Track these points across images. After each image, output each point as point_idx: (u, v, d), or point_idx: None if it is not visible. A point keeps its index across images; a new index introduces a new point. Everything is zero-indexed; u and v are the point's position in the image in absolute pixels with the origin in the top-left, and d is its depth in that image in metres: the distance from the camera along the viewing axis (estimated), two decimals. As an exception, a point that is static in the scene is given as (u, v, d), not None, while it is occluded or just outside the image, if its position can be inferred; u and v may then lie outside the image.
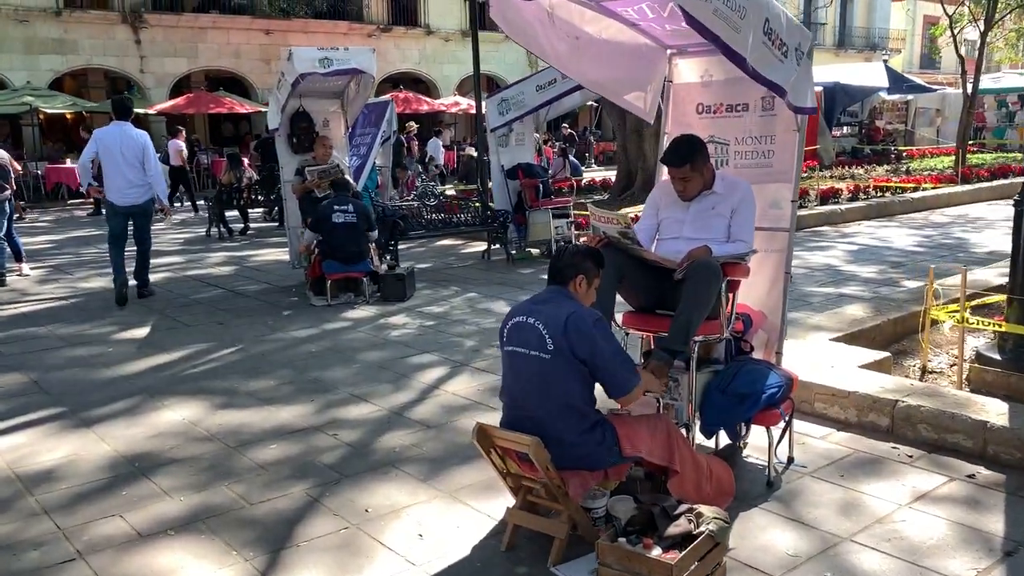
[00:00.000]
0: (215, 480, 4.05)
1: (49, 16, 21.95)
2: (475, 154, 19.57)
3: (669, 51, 4.55)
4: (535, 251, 10.49)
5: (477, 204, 10.67)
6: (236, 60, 25.35)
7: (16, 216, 9.48)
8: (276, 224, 13.83)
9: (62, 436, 4.70)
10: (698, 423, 3.92)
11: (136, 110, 23.24)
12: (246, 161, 14.82)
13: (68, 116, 25.84)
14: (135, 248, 8.36)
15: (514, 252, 10.23)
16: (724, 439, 4.18)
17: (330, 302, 7.96)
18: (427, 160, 21.59)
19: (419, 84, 29.68)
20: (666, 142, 4.53)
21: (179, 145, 16.43)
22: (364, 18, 27.44)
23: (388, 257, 9.00)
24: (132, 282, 8.39)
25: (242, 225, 13.29)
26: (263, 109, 24.29)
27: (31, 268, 10.11)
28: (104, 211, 8.76)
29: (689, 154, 3.95)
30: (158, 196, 8.27)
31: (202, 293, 8.82)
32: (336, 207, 8.03)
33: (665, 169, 4.13)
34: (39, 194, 19.79)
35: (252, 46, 25.56)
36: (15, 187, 9.47)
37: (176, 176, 16.40)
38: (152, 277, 8.84)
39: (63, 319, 7.67)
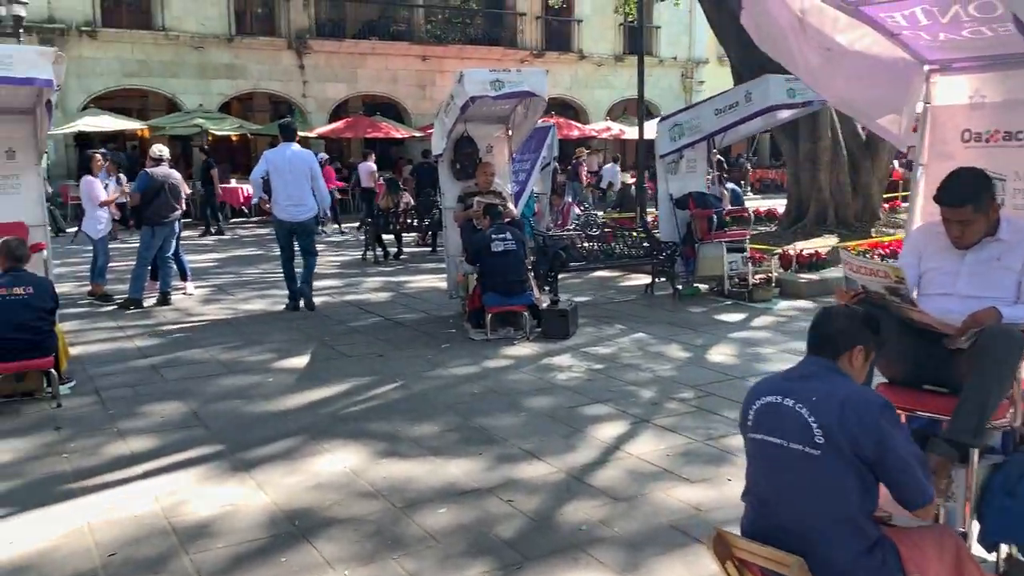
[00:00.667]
0: (383, 550, 3.56)
1: (222, 42, 23.05)
2: (631, 181, 18.95)
3: (928, 67, 3.77)
4: (703, 287, 9.71)
5: (638, 234, 10.01)
6: (393, 85, 25.84)
7: (111, 236, 9.64)
8: (429, 250, 13.65)
9: (221, 480, 4.38)
10: (976, 531, 3.10)
11: (300, 134, 24.36)
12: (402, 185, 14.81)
13: (233, 138, 27.17)
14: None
15: (681, 288, 9.48)
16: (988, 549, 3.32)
17: (489, 336, 7.50)
18: (606, 186, 21.11)
19: (568, 109, 29.37)
20: (922, 175, 3.75)
21: (371, 167, 16.77)
22: (518, 44, 27.42)
23: (548, 290, 8.47)
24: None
25: (395, 249, 13.16)
26: (417, 134, 24.71)
27: (195, 287, 10.24)
28: (272, 228, 9.35)
29: (973, 192, 3.16)
30: (322, 209, 9.06)
31: (360, 320, 8.57)
32: (494, 236, 7.59)
33: (934, 210, 3.35)
34: (204, 213, 20.62)
35: (408, 72, 26.00)
36: (185, 207, 9.54)
37: (366, 198, 16.25)
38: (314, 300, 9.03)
39: (224, 342, 7.57)
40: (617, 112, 29.87)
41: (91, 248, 9.61)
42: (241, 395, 5.92)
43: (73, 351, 6.71)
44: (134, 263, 9.27)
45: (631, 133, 26.13)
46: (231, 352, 7.21)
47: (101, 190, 9.37)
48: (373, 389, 6.06)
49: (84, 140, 23.10)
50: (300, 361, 6.89)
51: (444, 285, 9.51)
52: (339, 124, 22.77)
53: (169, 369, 6.65)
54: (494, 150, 9.01)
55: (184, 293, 9.94)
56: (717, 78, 31.17)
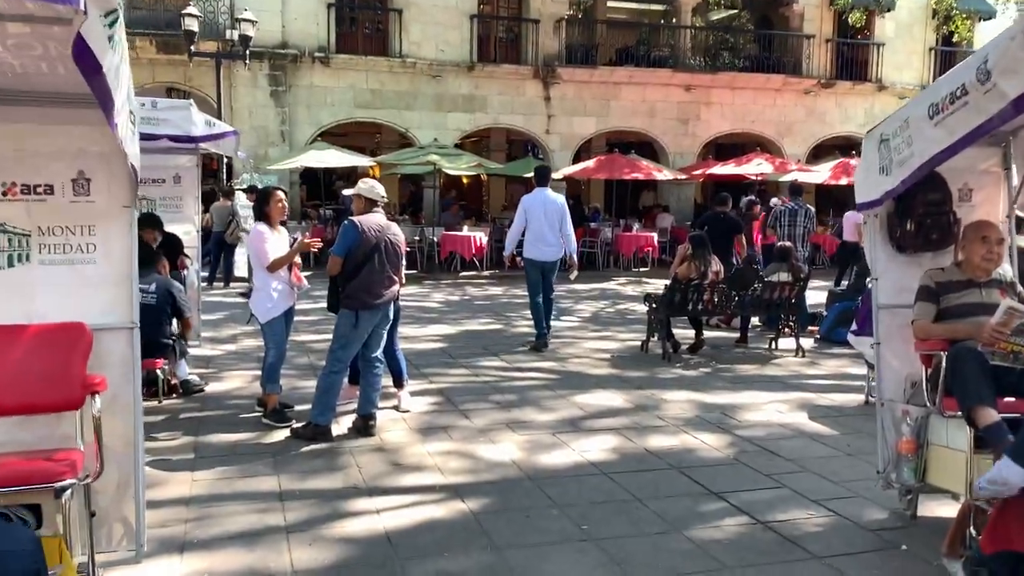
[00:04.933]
0: None
1: (462, 71, 20.34)
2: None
3: None
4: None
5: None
6: (650, 120, 22.01)
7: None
8: (737, 338, 9.38)
9: None
10: None
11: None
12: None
13: (464, 180, 24.50)
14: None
15: None
16: None
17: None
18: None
19: (850, 150, 24.12)
20: None
21: (857, 218, 12.91)
22: (803, 71, 22.70)
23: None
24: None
25: (694, 340, 9.03)
26: (683, 177, 20.64)
27: (414, 395, 6.66)
28: (524, 268, 9.32)
29: None
30: (568, 253, 9.14)
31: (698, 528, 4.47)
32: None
33: None
34: (432, 263, 17.69)
35: (669, 104, 22.07)
36: (404, 280, 6.02)
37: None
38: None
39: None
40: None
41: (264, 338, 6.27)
42: None
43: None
44: (324, 363, 5.82)
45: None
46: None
47: (273, 245, 6.00)
48: None
49: (311, 176, 21.27)
50: None
51: (825, 430, 5.25)
52: (590, 163, 19.18)
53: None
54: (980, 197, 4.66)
55: (398, 409, 6.38)
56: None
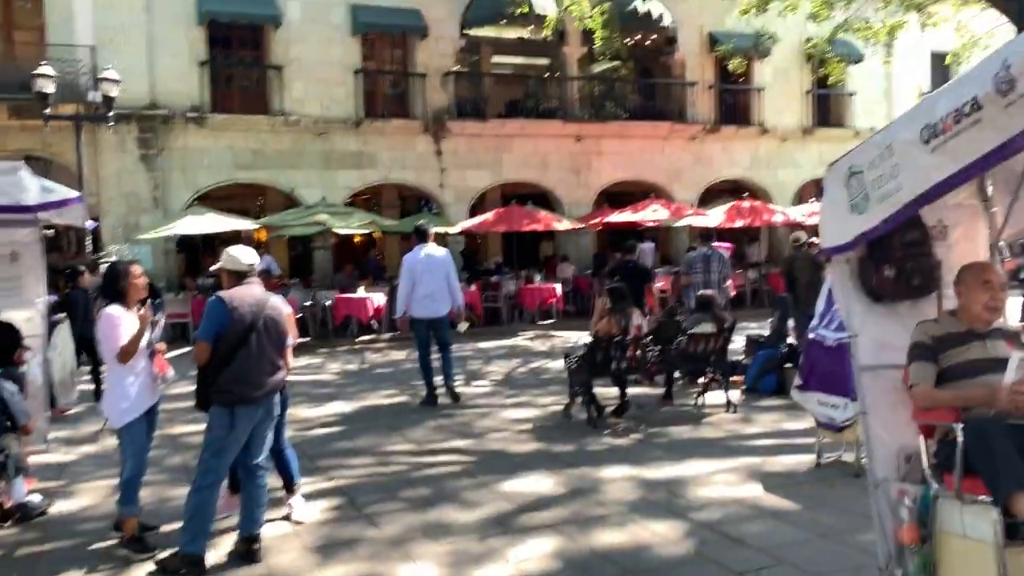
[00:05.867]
0: None
1: (349, 128, 19.45)
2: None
3: None
4: None
5: None
6: (543, 171, 21.61)
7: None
8: (664, 397, 8.72)
9: None
10: None
11: (436, 230, 20.20)
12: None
13: (356, 239, 23.47)
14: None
15: None
16: None
17: None
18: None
19: (738, 193, 24.47)
20: None
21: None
22: (688, 118, 22.89)
23: None
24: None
25: (618, 401, 8.30)
26: (581, 226, 20.26)
27: (307, 499, 5.61)
28: (413, 326, 9.29)
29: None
30: (456, 305, 9.22)
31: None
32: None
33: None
34: (326, 329, 16.51)
35: (560, 154, 21.74)
36: (290, 365, 5.04)
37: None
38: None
39: None
40: (810, 194, 24.71)
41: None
42: None
43: None
44: (195, 475, 4.72)
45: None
46: None
47: (129, 330, 4.89)
48: None
49: (190, 244, 19.80)
50: None
51: (786, 504, 4.54)
52: (488, 216, 18.52)
53: None
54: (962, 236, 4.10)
55: (290, 520, 5.32)
56: (923, 151, 25.77)
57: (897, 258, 3.79)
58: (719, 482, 5.95)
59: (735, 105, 24.16)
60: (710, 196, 23.99)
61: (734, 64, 19.74)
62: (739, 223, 19.67)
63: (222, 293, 4.68)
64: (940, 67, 26.19)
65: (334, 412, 9.09)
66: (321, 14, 19.07)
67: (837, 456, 6.42)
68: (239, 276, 4.77)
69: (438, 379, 9.27)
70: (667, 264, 20.76)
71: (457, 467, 6.59)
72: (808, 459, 6.46)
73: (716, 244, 14.58)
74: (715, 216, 19.95)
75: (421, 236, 9.36)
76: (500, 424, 8.13)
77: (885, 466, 3.79)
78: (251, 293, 4.72)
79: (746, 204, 20.22)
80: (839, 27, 18.31)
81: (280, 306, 4.92)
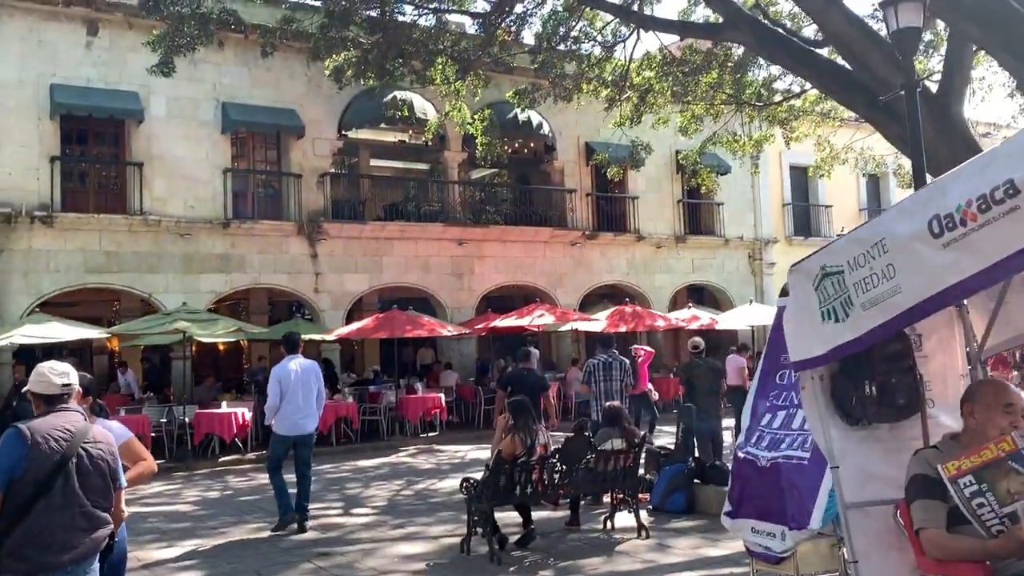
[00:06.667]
0: None
1: (215, 229, 18.25)
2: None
3: None
4: None
5: None
6: (424, 275, 20.95)
7: None
8: (571, 524, 7.90)
9: None
10: None
11: (311, 336, 18.98)
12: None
13: (220, 347, 21.88)
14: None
15: None
16: None
17: None
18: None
19: (615, 297, 24.62)
20: None
21: (740, 361, 13.72)
22: (568, 223, 22.98)
23: None
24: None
25: (522, 530, 7.44)
26: (466, 332, 19.55)
27: None
28: (271, 441, 8.82)
29: None
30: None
31: None
32: None
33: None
34: (185, 449, 14.85)
35: (442, 258, 21.21)
36: (118, 528, 3.97)
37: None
38: None
39: None
40: (682, 300, 25.10)
41: None
42: None
43: None
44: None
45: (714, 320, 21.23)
46: None
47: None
48: None
49: (30, 355, 17.71)
50: None
51: None
52: (368, 322, 17.53)
53: None
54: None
55: None
56: (788, 259, 26.89)
57: (879, 373, 3.25)
58: (651, 630, 5.16)
59: (612, 212, 24.52)
60: (589, 301, 23.97)
61: (611, 172, 20.05)
62: (623, 328, 19.51)
63: (23, 423, 3.61)
64: (800, 178, 27.86)
65: (190, 553, 7.75)
66: (188, 110, 18.09)
67: (772, 589, 5.76)
68: (50, 401, 3.73)
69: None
70: (551, 370, 20.31)
71: (341, 624, 5.51)
72: (741, 595, 5.78)
73: (637, 348, 14.42)
74: (600, 321, 19.74)
75: (291, 346, 8.80)
76: (388, 564, 7.07)
77: (883, 630, 3.14)
78: (63, 423, 3.66)
79: (628, 309, 20.15)
80: (708, 140, 19.02)
81: (106, 438, 3.86)
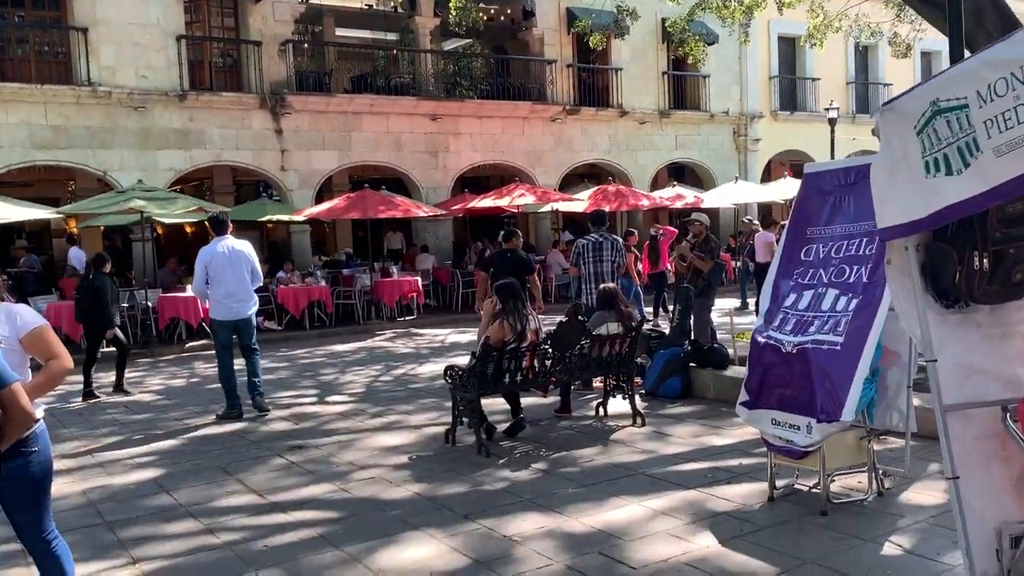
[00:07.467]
0: None
1: (171, 101, 16.95)
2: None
3: None
4: None
5: None
6: (397, 153, 19.87)
7: None
8: (562, 412, 7.39)
9: None
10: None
11: (279, 217, 18.04)
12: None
13: (188, 229, 20.91)
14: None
15: None
16: None
17: None
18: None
19: (594, 177, 23.74)
20: None
21: (768, 237, 12.82)
22: (548, 97, 21.79)
23: None
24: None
25: (511, 419, 6.90)
26: (441, 213, 18.71)
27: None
28: (212, 329, 8.69)
29: None
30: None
31: None
32: None
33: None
34: (149, 334, 14.16)
35: (415, 135, 20.08)
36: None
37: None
38: None
39: None
40: (662, 180, 24.30)
41: None
42: None
43: None
44: None
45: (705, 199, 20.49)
46: None
47: None
48: None
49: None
50: None
51: (756, 564, 3.26)
52: (338, 202, 16.59)
53: None
54: None
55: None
56: (773, 135, 26.03)
57: (995, 241, 2.55)
58: (660, 532, 4.65)
59: (594, 85, 23.31)
60: (568, 181, 23.10)
61: (594, 41, 18.77)
62: (607, 208, 18.73)
63: None
64: (787, 50, 26.66)
65: (150, 450, 7.15)
66: (134, -32, 16.48)
67: (790, 483, 5.29)
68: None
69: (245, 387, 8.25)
70: (531, 253, 19.63)
71: (316, 529, 4.95)
72: (754, 489, 5.29)
73: (658, 226, 13.78)
74: (582, 202, 18.94)
75: (219, 227, 8.42)
76: (367, 458, 6.51)
77: (983, 557, 2.56)
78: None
79: (612, 188, 19.34)
80: (697, 5, 17.74)
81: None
